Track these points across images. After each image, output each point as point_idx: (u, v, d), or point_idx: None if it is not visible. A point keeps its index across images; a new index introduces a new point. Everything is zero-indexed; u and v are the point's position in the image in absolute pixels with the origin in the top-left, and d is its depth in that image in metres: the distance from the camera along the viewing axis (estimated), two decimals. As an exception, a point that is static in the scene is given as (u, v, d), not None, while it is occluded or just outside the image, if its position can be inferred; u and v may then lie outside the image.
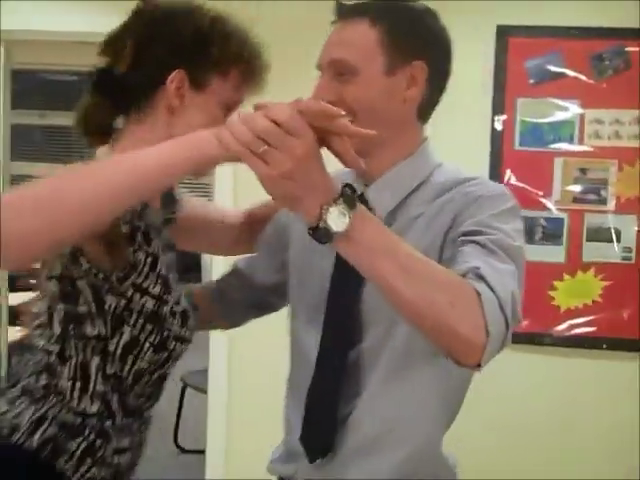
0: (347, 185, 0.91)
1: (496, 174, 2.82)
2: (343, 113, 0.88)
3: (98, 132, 1.23)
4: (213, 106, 1.19)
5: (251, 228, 1.44)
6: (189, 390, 4.02)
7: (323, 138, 0.88)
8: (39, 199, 0.87)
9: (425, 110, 1.21)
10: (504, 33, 2.79)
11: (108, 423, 1.17)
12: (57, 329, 1.15)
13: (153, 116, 1.19)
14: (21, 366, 1.19)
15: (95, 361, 1.15)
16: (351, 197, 0.89)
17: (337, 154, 0.91)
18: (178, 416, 4.12)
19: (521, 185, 2.82)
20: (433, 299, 0.90)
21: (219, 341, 2.91)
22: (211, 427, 2.97)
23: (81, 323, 1.14)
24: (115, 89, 1.20)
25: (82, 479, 1.15)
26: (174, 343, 1.19)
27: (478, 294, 0.92)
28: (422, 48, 1.15)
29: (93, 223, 0.92)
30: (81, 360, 1.15)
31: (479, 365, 0.95)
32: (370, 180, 1.17)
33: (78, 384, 1.15)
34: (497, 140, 2.83)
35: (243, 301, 1.42)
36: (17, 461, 1.13)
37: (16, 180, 3.46)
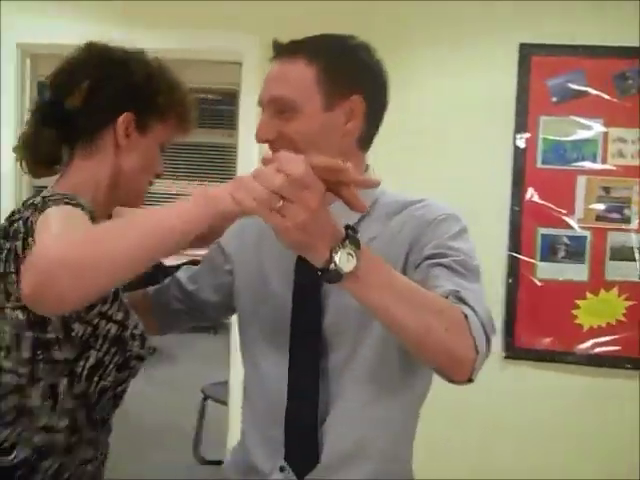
0: (349, 227, 0.94)
1: (518, 192, 2.82)
2: (350, 165, 0.91)
3: (42, 161, 1.33)
4: (152, 147, 1.32)
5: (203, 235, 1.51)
6: (210, 402, 4.04)
7: (329, 186, 0.92)
8: (77, 262, 0.92)
9: (365, 140, 1.24)
10: (527, 51, 2.79)
11: (74, 438, 1.24)
12: (26, 353, 1.19)
13: (101, 152, 1.29)
14: None
15: (63, 382, 1.21)
16: (355, 238, 0.93)
17: (345, 200, 0.95)
18: (199, 427, 4.14)
19: (543, 203, 2.81)
20: (431, 326, 0.97)
21: (240, 353, 2.92)
22: (231, 438, 2.98)
23: (49, 349, 1.19)
24: (64, 122, 1.28)
25: None
26: (134, 362, 1.28)
27: (465, 317, 1.00)
28: (358, 82, 1.19)
29: (125, 279, 0.98)
30: (50, 382, 1.21)
31: (470, 380, 1.02)
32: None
33: (47, 403, 1.21)
34: (519, 158, 2.83)
35: (184, 313, 1.46)
36: None
37: (39, 190, 3.49)
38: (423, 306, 0.97)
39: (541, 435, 2.84)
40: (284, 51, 1.20)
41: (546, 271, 2.83)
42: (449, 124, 2.88)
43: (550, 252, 2.83)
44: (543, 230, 2.83)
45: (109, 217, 1.35)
